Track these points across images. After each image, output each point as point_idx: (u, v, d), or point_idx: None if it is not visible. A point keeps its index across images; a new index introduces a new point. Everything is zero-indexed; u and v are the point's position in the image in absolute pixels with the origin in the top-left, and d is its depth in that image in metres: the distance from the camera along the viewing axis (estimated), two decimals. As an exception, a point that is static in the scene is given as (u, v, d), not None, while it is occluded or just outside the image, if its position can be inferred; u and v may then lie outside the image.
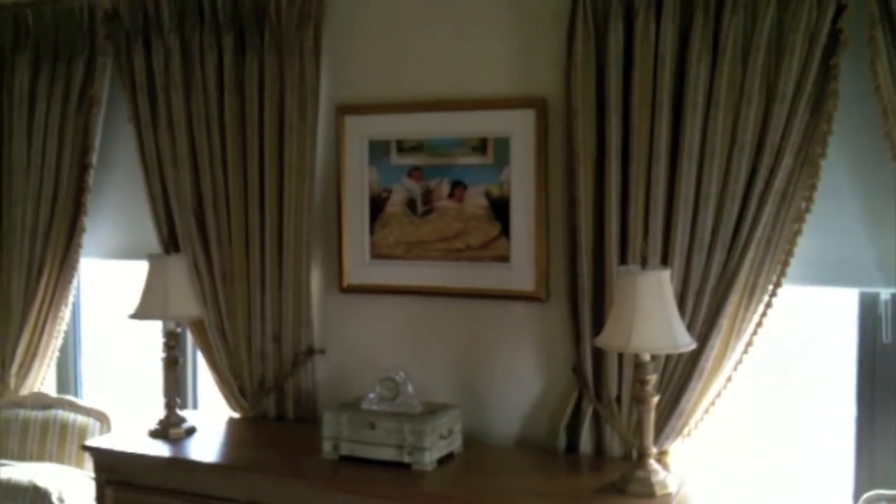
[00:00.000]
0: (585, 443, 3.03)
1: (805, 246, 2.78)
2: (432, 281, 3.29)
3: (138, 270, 3.49)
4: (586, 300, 2.96)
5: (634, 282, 2.59)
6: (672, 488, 2.66)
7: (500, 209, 3.18)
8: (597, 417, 3.02)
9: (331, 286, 3.48)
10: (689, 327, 2.77)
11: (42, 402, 3.88)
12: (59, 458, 3.75)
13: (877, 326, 2.84)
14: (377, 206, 3.37)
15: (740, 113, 2.72)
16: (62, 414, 3.82)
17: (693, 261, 2.81)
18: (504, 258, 3.19)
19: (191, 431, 3.31)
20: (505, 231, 3.18)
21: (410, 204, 3.31)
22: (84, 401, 3.93)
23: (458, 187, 3.24)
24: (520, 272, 3.16)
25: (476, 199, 3.21)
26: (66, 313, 3.95)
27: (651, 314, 2.58)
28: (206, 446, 3.20)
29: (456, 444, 3.02)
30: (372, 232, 3.38)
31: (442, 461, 2.91)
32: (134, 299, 3.37)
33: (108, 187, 3.93)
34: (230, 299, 3.49)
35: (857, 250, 2.79)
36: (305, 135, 3.33)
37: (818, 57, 2.64)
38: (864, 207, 2.77)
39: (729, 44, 2.71)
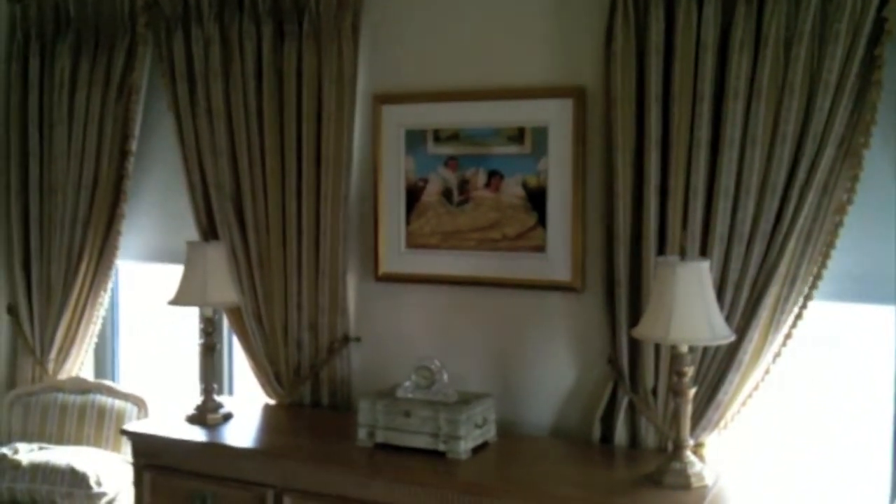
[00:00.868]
0: (620, 434, 3.02)
1: (841, 261, 2.77)
2: (468, 271, 3.30)
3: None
4: (623, 291, 2.95)
5: (673, 273, 2.58)
6: (708, 481, 2.65)
7: (536, 199, 3.17)
8: (632, 408, 3.01)
9: (366, 275, 3.49)
10: (728, 319, 2.75)
11: (80, 386, 3.93)
12: (97, 442, 3.80)
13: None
14: (413, 195, 3.37)
15: (782, 103, 2.69)
16: (100, 398, 3.87)
17: (732, 252, 2.79)
18: (540, 248, 3.18)
19: (227, 417, 3.33)
20: (541, 221, 3.17)
21: (446, 193, 3.31)
22: (122, 386, 3.97)
23: (494, 177, 3.23)
24: (556, 262, 3.16)
25: (513, 189, 3.20)
26: (104, 299, 4.00)
27: (690, 306, 2.56)
28: (242, 432, 3.22)
29: (490, 433, 3.02)
30: (408, 221, 3.39)
31: (476, 450, 2.91)
32: (172, 286, 3.40)
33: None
34: (267, 287, 3.52)
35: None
36: (342, 124, 3.35)
37: (862, 46, 2.61)
38: None
39: (772, 32, 2.68)
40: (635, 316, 2.90)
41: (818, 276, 2.77)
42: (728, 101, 2.75)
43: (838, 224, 2.73)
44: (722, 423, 2.89)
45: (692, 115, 2.81)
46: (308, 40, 3.36)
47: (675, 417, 2.70)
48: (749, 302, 2.80)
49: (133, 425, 3.44)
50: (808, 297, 2.79)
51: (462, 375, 3.19)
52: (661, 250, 2.89)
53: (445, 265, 3.33)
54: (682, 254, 2.82)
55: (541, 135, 3.14)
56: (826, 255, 2.75)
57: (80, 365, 4.07)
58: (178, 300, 3.34)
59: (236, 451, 3.07)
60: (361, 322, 3.51)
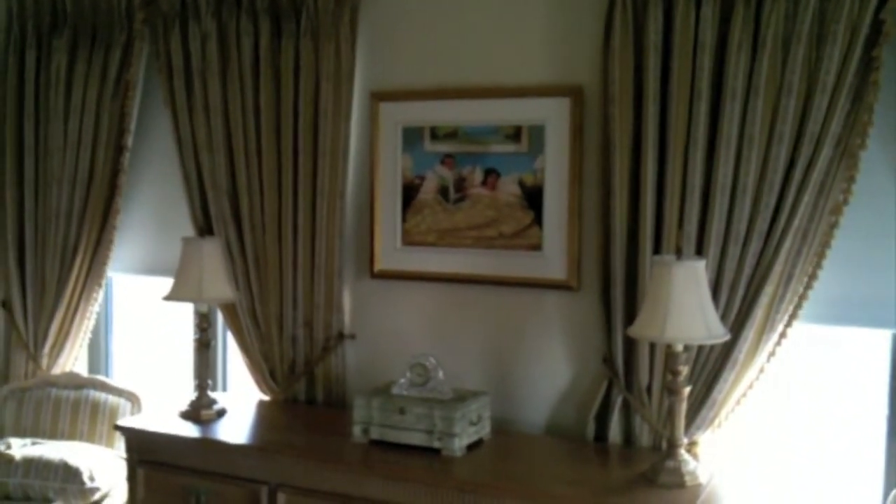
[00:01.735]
0: (614, 432, 3.02)
1: (834, 284, 2.79)
2: (464, 268, 3.30)
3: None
4: (619, 290, 2.96)
5: (669, 272, 2.58)
6: (703, 479, 2.66)
7: (533, 197, 3.17)
8: (626, 407, 3.02)
9: (362, 272, 3.49)
10: (723, 318, 2.76)
11: (74, 381, 3.92)
12: (91, 438, 3.79)
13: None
14: (410, 192, 3.37)
15: (780, 102, 2.70)
16: (94, 394, 3.86)
17: (728, 251, 2.79)
18: (536, 247, 3.18)
19: (221, 413, 3.33)
20: (538, 219, 3.17)
21: (443, 191, 3.31)
22: (116, 381, 3.96)
23: (491, 175, 3.24)
24: (552, 261, 3.16)
25: (509, 187, 3.20)
26: (99, 294, 3.99)
27: (686, 305, 2.57)
28: (236, 428, 3.22)
29: (485, 430, 3.02)
30: (404, 219, 3.39)
31: (471, 447, 2.91)
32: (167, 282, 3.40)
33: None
34: (263, 283, 3.52)
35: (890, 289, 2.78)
36: (340, 121, 3.35)
37: (860, 47, 2.62)
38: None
39: (770, 32, 2.69)
40: (631, 315, 2.91)
41: (813, 277, 2.78)
42: (725, 101, 2.75)
43: (834, 224, 2.74)
44: (716, 422, 2.90)
45: (689, 114, 2.81)
46: (306, 37, 3.35)
47: (670, 416, 2.70)
48: (744, 301, 2.81)
49: (127, 421, 3.44)
50: (803, 298, 2.80)
51: (457, 373, 3.20)
52: (658, 249, 2.89)
53: (441, 263, 3.33)
54: (679, 253, 2.82)
55: (538, 133, 3.15)
56: (821, 256, 2.76)
57: (74, 360, 4.06)
58: (173, 296, 3.33)
59: (230, 447, 3.07)
60: (357, 319, 3.51)
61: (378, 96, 3.40)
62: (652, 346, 2.91)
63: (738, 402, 2.88)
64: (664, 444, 2.83)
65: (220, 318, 3.75)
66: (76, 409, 3.83)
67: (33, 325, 4.03)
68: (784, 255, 2.75)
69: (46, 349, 4.01)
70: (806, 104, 2.69)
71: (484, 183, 3.24)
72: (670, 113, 2.83)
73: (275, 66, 3.44)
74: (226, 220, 3.55)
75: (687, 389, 2.68)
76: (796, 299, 2.79)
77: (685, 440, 2.73)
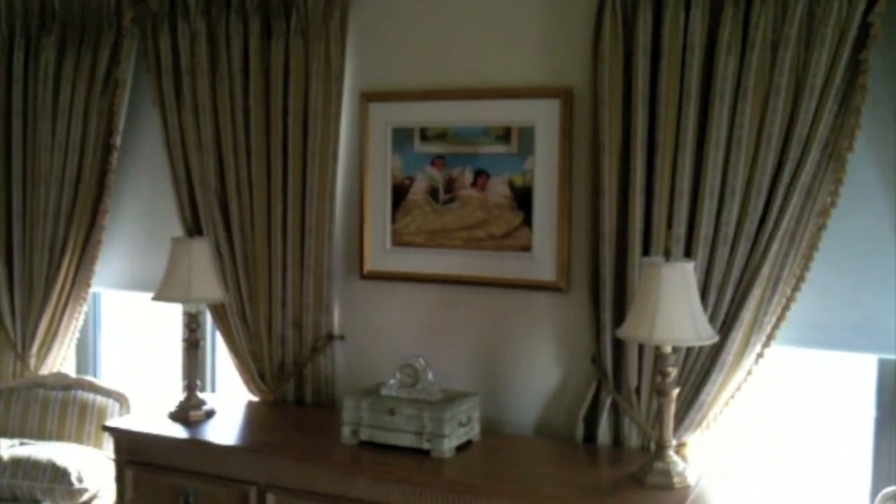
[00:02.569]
0: (603, 433, 3.03)
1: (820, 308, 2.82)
2: (453, 269, 3.30)
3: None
4: (608, 291, 2.96)
5: (658, 273, 2.59)
6: (691, 480, 2.66)
7: (523, 198, 3.18)
8: (615, 408, 3.02)
9: (351, 273, 3.49)
10: (711, 320, 2.77)
11: (62, 382, 3.90)
12: (79, 438, 3.77)
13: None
14: (399, 193, 3.37)
15: (768, 105, 2.71)
16: (82, 394, 3.84)
17: (717, 253, 2.80)
18: (526, 248, 3.18)
19: (210, 414, 3.32)
20: (527, 221, 3.18)
21: (433, 192, 3.31)
22: (104, 382, 3.95)
23: (481, 176, 3.24)
24: (542, 262, 3.17)
25: (499, 188, 3.21)
26: (87, 294, 3.97)
27: (674, 306, 2.58)
28: (225, 429, 3.21)
29: (474, 431, 3.03)
30: (394, 219, 3.39)
31: (460, 448, 2.92)
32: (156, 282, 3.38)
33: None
34: (252, 284, 3.51)
35: (877, 314, 2.79)
36: (329, 121, 3.34)
37: (848, 50, 2.63)
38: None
39: (758, 35, 2.70)
40: (620, 316, 2.92)
41: (801, 279, 2.79)
42: (714, 103, 2.76)
43: (822, 227, 2.75)
44: (704, 424, 2.91)
45: (678, 116, 2.82)
46: (295, 37, 3.35)
47: (659, 417, 2.71)
48: (732, 303, 2.82)
49: (115, 421, 3.42)
50: (790, 300, 2.81)
51: (446, 374, 3.20)
52: (647, 251, 2.90)
53: (431, 264, 3.33)
54: (667, 255, 2.83)
55: (528, 134, 3.15)
56: (809, 258, 2.78)
57: (62, 360, 4.05)
58: (161, 296, 3.32)
59: (219, 448, 3.06)
60: (346, 320, 3.51)
61: (368, 96, 3.40)
62: (641, 348, 2.92)
63: (726, 404, 2.89)
64: (653, 446, 2.84)
65: (209, 318, 3.74)
66: (64, 410, 3.81)
67: (21, 325, 4.01)
68: (772, 257, 2.76)
69: (34, 349, 4.00)
70: (794, 106, 2.70)
71: (474, 184, 3.25)
72: (659, 114, 2.84)
73: (264, 65, 3.43)
74: (215, 220, 3.54)
75: (676, 391, 2.69)
76: (784, 301, 2.80)
77: (674, 441, 2.74)
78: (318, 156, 3.35)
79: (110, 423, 3.39)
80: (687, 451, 2.91)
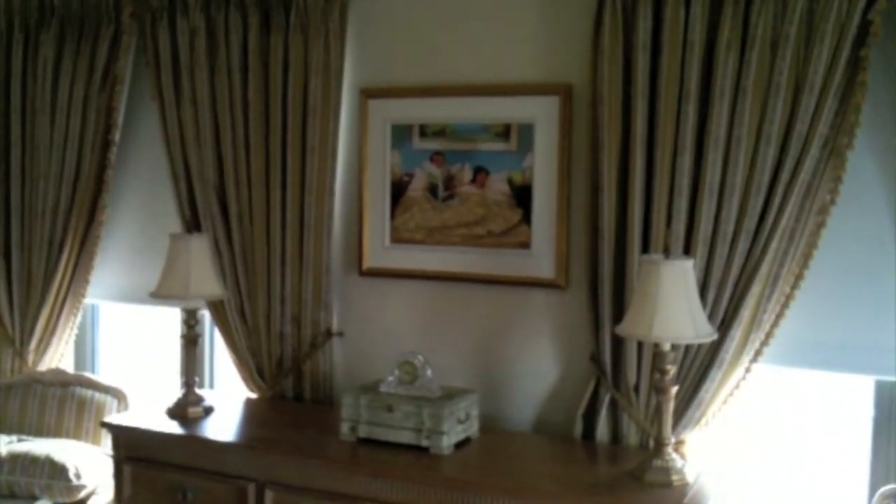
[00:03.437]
0: (602, 431, 3.03)
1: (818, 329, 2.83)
2: (452, 266, 3.30)
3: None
4: (607, 288, 2.96)
5: (658, 271, 2.59)
6: (690, 478, 2.66)
7: (522, 196, 3.17)
8: (614, 406, 3.02)
9: (350, 269, 3.49)
10: (710, 317, 2.76)
11: (60, 378, 3.90)
12: (77, 435, 3.77)
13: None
14: (398, 190, 3.37)
15: (768, 102, 2.71)
16: (80, 391, 3.84)
17: (716, 251, 2.80)
18: (525, 245, 3.18)
19: (209, 410, 3.32)
20: (526, 218, 3.17)
21: (432, 189, 3.31)
22: (102, 378, 3.95)
23: (480, 173, 3.23)
24: (540, 259, 3.16)
25: (498, 186, 3.20)
26: (85, 290, 3.97)
27: (673, 304, 2.57)
28: (223, 425, 3.21)
29: (473, 428, 3.02)
30: (393, 216, 3.38)
31: (459, 445, 2.91)
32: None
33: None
34: (250, 280, 3.51)
35: (874, 335, 2.79)
36: (328, 117, 3.34)
37: (848, 48, 2.62)
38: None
39: (758, 32, 2.70)
40: (619, 313, 2.92)
41: (800, 277, 2.79)
42: (714, 101, 2.76)
43: (821, 224, 2.75)
44: (703, 421, 2.91)
45: (678, 113, 2.82)
46: (295, 33, 3.34)
47: (657, 415, 2.71)
48: (731, 301, 2.82)
49: (113, 418, 3.43)
50: (789, 297, 2.81)
51: (445, 371, 3.20)
52: (646, 248, 2.90)
53: (430, 260, 3.33)
54: (667, 252, 2.83)
55: (527, 131, 3.15)
56: (808, 256, 2.77)
57: (60, 356, 4.04)
58: (160, 293, 3.32)
59: (218, 444, 3.06)
60: (345, 316, 3.51)
61: (367, 93, 3.39)
62: (640, 345, 2.92)
63: (724, 402, 2.89)
64: (651, 443, 2.85)
65: (207, 314, 3.74)
66: (62, 406, 3.81)
67: (19, 320, 4.01)
68: (771, 254, 2.76)
69: (32, 345, 3.99)
70: (794, 104, 2.69)
71: (473, 181, 3.24)
72: (659, 112, 2.84)
73: (263, 61, 3.42)
74: (213, 216, 3.53)
75: (674, 388, 2.69)
76: (783, 299, 2.80)
77: (672, 439, 2.73)
78: (317, 152, 3.35)
79: (108, 419, 3.38)
80: (685, 448, 2.91)
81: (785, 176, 2.72)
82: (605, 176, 2.92)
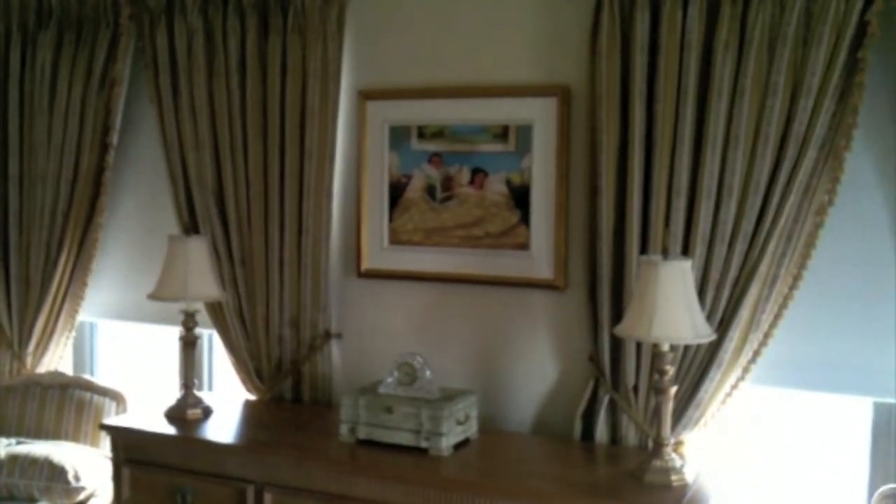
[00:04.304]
0: (601, 431, 3.03)
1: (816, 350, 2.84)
2: (451, 268, 3.30)
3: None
4: (605, 289, 2.96)
5: (656, 271, 2.59)
6: (689, 478, 2.66)
7: (520, 197, 3.18)
8: (613, 406, 3.02)
9: (349, 271, 3.49)
10: (709, 318, 2.77)
11: (59, 380, 3.90)
12: (75, 437, 3.77)
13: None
14: (397, 191, 3.37)
15: (765, 103, 2.71)
16: (79, 393, 3.84)
17: (714, 251, 2.81)
18: (523, 246, 3.18)
19: (207, 412, 3.32)
20: (525, 219, 3.18)
21: (430, 190, 3.31)
22: (100, 380, 3.94)
23: (478, 174, 3.24)
24: (539, 260, 3.17)
25: (496, 187, 3.21)
26: (84, 293, 3.96)
27: (672, 304, 2.57)
28: (222, 427, 3.21)
29: (472, 429, 3.03)
30: (391, 218, 3.39)
31: (458, 446, 2.92)
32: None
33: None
34: (249, 282, 3.51)
35: (873, 356, 2.80)
36: (326, 119, 3.34)
37: (845, 49, 2.63)
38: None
39: (756, 33, 2.70)
40: (617, 314, 2.92)
41: (798, 277, 2.80)
42: (712, 101, 2.76)
43: (819, 225, 2.75)
44: (702, 421, 2.91)
45: (676, 114, 2.82)
46: (293, 35, 3.34)
47: (656, 415, 2.71)
48: (730, 301, 2.82)
49: (112, 420, 3.42)
50: (788, 298, 2.81)
51: (444, 372, 3.20)
52: (644, 249, 2.90)
53: (428, 262, 3.33)
54: (665, 253, 2.83)
55: (525, 132, 3.15)
56: (806, 256, 2.78)
57: (59, 359, 4.04)
58: (158, 294, 3.32)
59: (217, 446, 3.06)
60: (343, 318, 3.51)
61: (365, 95, 3.39)
62: (638, 346, 2.92)
63: (723, 402, 2.89)
64: (650, 444, 2.85)
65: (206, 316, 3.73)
66: (61, 409, 3.81)
67: (18, 323, 4.00)
68: (769, 255, 2.77)
69: (31, 348, 3.99)
70: (791, 105, 2.70)
71: (471, 182, 3.25)
72: (657, 113, 2.84)
73: (261, 63, 3.42)
74: (212, 218, 3.53)
75: (673, 389, 2.69)
76: (781, 299, 2.81)
77: (671, 439, 2.74)
78: (315, 154, 3.35)
79: (107, 421, 3.39)
80: (685, 448, 2.91)
81: (783, 177, 2.72)
82: (604, 176, 2.93)
